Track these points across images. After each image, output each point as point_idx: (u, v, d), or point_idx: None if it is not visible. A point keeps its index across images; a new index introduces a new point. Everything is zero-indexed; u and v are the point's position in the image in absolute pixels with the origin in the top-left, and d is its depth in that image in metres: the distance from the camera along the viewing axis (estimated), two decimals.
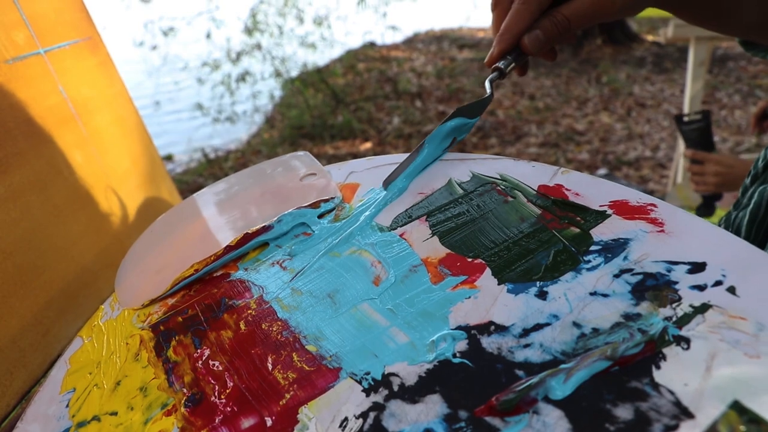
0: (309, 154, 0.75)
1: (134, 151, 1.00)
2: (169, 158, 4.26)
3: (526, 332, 0.46)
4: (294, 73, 5.13)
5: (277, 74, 4.88)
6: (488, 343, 0.46)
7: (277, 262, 0.61)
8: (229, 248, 0.62)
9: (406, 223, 0.60)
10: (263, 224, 0.63)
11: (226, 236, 0.64)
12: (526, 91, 5.43)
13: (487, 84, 0.68)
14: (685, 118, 1.67)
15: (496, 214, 0.58)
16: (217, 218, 0.67)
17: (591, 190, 0.57)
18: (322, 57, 5.46)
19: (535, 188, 0.59)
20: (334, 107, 4.69)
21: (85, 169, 0.85)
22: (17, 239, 0.71)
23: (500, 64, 0.66)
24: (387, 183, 0.64)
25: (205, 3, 4.79)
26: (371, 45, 7.34)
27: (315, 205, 0.65)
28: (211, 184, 0.77)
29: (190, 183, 3.78)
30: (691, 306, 0.44)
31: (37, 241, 0.74)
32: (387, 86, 5.51)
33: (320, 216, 0.65)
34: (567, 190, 0.58)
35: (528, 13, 0.63)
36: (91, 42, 0.93)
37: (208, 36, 4.73)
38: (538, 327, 0.46)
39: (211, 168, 3.97)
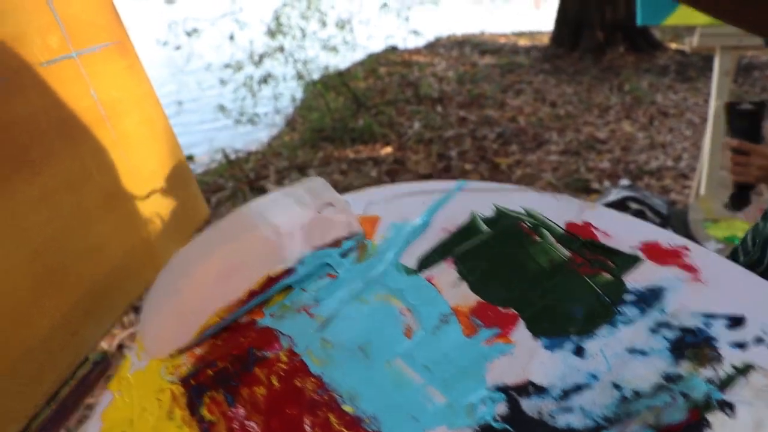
0: (324, 181, 0.72)
1: (161, 153, 1.01)
2: (190, 159, 4.29)
3: (566, 394, 0.45)
4: (315, 76, 5.15)
5: (299, 77, 4.90)
6: (528, 405, 0.44)
7: (304, 309, 0.59)
8: (252, 293, 0.60)
9: (432, 264, 0.58)
10: (286, 267, 0.61)
11: (247, 276, 0.61)
12: (548, 98, 5.41)
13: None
14: (739, 106, 1.61)
15: (524, 256, 0.56)
16: (236, 255, 0.64)
17: (620, 229, 0.55)
18: (343, 60, 5.48)
19: (563, 225, 0.58)
20: (355, 111, 4.69)
21: (114, 170, 0.86)
22: (47, 239, 0.72)
23: None
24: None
25: (229, 5, 4.82)
26: (393, 49, 7.34)
27: (337, 244, 0.63)
28: (230, 207, 0.77)
29: (210, 184, 3.81)
30: (733, 367, 0.42)
31: (67, 241, 0.75)
32: (408, 90, 5.51)
33: (343, 255, 0.63)
34: (595, 229, 0.56)
35: None
36: (121, 45, 0.94)
37: (232, 38, 4.76)
38: (577, 388, 0.45)
39: (232, 169, 3.99)
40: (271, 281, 0.61)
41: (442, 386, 0.48)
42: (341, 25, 5.09)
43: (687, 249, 0.52)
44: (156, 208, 0.93)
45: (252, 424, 0.49)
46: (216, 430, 0.50)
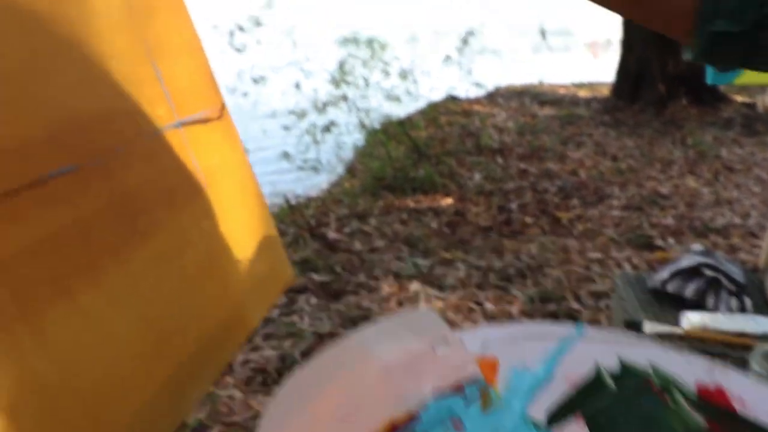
0: (435, 314, 0.70)
1: (253, 217, 1.03)
2: None
3: None
4: (377, 124, 5.22)
5: (362, 126, 4.98)
6: None
7: None
8: None
9: (562, 420, 0.57)
10: (409, 412, 0.59)
11: (365, 417, 0.59)
12: (609, 152, 5.36)
13: None
14: None
15: (658, 421, 0.54)
16: (351, 390, 0.62)
17: (755, 395, 0.52)
18: (404, 109, 5.55)
19: (693, 387, 0.55)
20: (416, 160, 4.73)
21: (211, 236, 0.88)
22: (155, 306, 0.74)
23: None
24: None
25: (295, 53, 4.95)
26: (453, 99, 7.41)
27: (459, 388, 0.61)
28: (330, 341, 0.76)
29: None
30: None
31: (171, 307, 0.77)
32: (469, 141, 5.54)
33: (467, 402, 0.61)
34: (729, 395, 0.54)
35: None
36: (219, 112, 0.98)
37: (297, 86, 4.88)
38: None
39: (293, 215, 4.04)
40: (394, 428, 0.59)
41: None
42: (404, 75, 5.17)
43: None
44: (248, 272, 0.96)
45: None
46: None
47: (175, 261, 0.78)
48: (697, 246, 1.91)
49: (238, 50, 4.80)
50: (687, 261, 1.72)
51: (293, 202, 4.28)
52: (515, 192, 4.38)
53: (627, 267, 3.28)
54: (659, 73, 6.93)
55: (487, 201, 4.22)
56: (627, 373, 0.60)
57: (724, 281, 1.65)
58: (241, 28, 4.77)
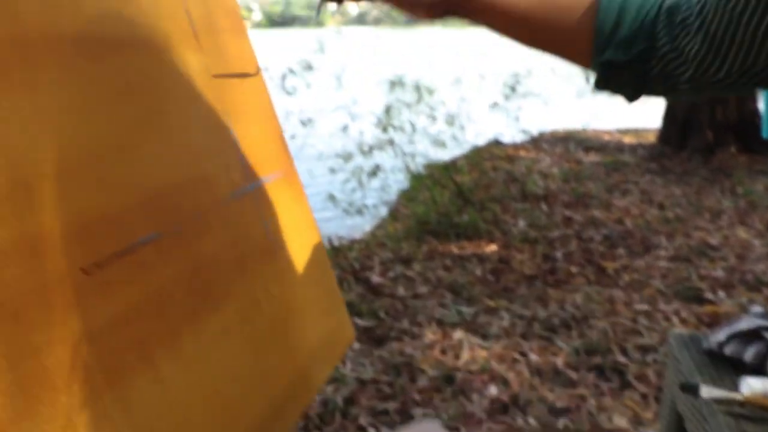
0: (438, 424, 0.72)
1: (318, 278, 1.05)
2: None
3: None
4: (421, 168, 5.26)
5: (407, 171, 5.02)
6: None
7: None
8: None
9: None
10: None
11: None
12: (655, 200, 5.30)
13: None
14: None
15: None
16: None
17: None
18: (449, 152, 5.58)
19: None
20: (460, 206, 4.74)
21: (279, 300, 0.90)
22: (226, 371, 0.76)
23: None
24: None
25: (343, 97, 5.04)
26: (497, 143, 7.43)
27: None
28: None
29: None
30: None
31: (241, 371, 0.79)
32: (513, 187, 5.54)
33: None
34: None
35: None
36: (288, 173, 1.01)
37: (345, 129, 4.96)
38: None
39: (336, 257, 4.07)
40: None
41: None
42: (450, 121, 5.21)
43: None
44: (313, 334, 0.97)
45: None
46: None
47: (244, 327, 0.80)
48: (756, 307, 1.87)
49: (289, 93, 4.91)
50: (746, 323, 1.69)
51: (336, 244, 4.32)
52: (560, 240, 4.35)
53: (675, 320, 3.22)
54: (707, 119, 6.85)
55: (531, 249, 4.20)
56: None
57: None
58: (292, 72, 4.88)
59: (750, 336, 1.65)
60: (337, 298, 1.09)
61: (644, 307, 3.34)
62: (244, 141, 0.89)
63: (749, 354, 1.60)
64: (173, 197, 0.74)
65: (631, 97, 0.89)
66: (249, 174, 0.88)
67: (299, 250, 0.99)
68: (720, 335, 1.68)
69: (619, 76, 0.86)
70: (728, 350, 1.63)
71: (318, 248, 1.06)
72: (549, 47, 0.92)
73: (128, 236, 0.66)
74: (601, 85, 0.89)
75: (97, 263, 0.61)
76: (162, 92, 0.76)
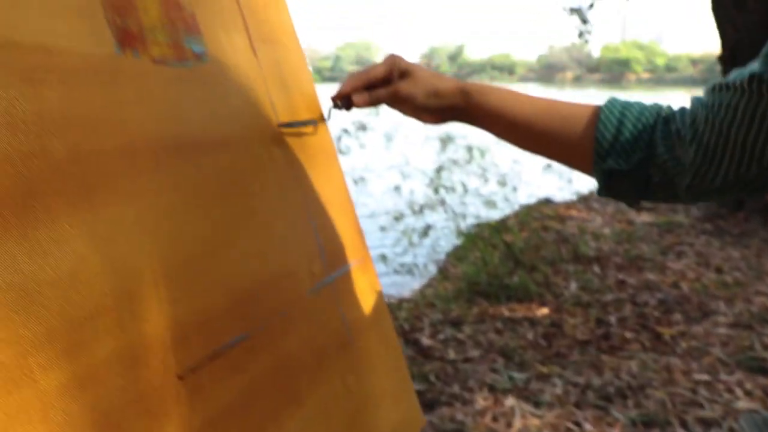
0: None
1: (391, 366, 1.06)
2: None
3: None
4: (471, 227, 5.25)
5: (458, 231, 5.03)
6: None
7: None
8: None
9: None
10: None
11: None
12: (712, 263, 5.18)
13: (326, 111, 1.05)
14: None
15: None
16: None
17: None
18: (500, 211, 5.57)
19: None
20: (511, 268, 4.71)
21: (355, 392, 0.91)
22: None
23: (339, 104, 1.00)
24: None
25: (395, 156, 5.11)
26: (547, 201, 7.40)
27: None
28: None
29: None
30: None
31: None
32: (564, 248, 5.48)
33: None
34: None
35: (360, 82, 0.97)
36: (364, 262, 1.03)
37: (397, 188, 5.01)
38: None
39: None
40: None
41: None
42: (503, 182, 5.22)
43: None
44: (385, 422, 0.98)
45: None
46: None
47: (323, 421, 0.81)
48: None
49: (342, 153, 5.00)
50: None
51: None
52: (614, 304, 4.27)
53: (739, 392, 3.11)
54: None
55: (584, 313, 4.13)
56: None
57: None
58: (346, 132, 4.99)
59: None
60: (408, 385, 1.09)
61: (704, 377, 3.24)
62: (323, 231, 0.92)
63: None
64: (260, 295, 0.76)
65: (633, 203, 0.91)
66: (329, 265, 0.91)
67: (374, 339, 1.00)
68: None
69: (620, 184, 0.89)
70: None
71: (390, 335, 1.07)
72: (551, 154, 0.96)
73: (220, 338, 0.68)
74: (603, 192, 0.92)
75: (192, 368, 0.63)
76: (251, 189, 0.79)
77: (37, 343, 0.53)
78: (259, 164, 0.85)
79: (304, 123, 1.00)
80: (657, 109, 0.89)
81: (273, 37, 1.00)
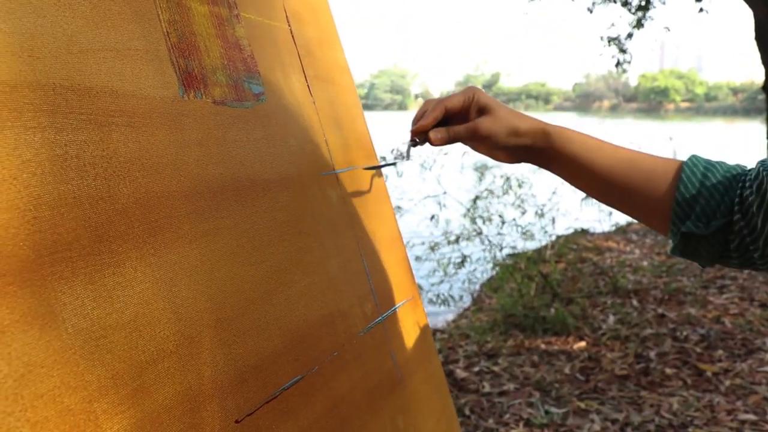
0: None
1: (439, 407, 1.05)
2: None
3: None
4: (506, 257, 5.21)
5: (495, 264, 4.99)
6: None
7: None
8: None
9: None
10: None
11: None
12: (756, 297, 5.05)
13: (404, 147, 1.01)
14: None
15: None
16: None
17: None
18: (537, 243, 5.52)
19: None
20: (548, 299, 4.65)
21: None
22: None
23: (410, 143, 0.99)
24: None
25: (432, 186, 5.10)
26: (583, 232, 7.32)
27: None
28: None
29: None
30: None
31: None
32: (600, 280, 5.41)
33: None
34: None
35: (435, 116, 0.95)
36: (414, 300, 1.02)
37: (433, 218, 5.00)
38: None
39: None
40: None
41: None
42: (540, 213, 5.18)
43: None
44: None
45: None
46: None
47: None
48: None
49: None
50: None
51: None
52: (653, 339, 4.18)
53: None
54: None
55: (622, 347, 4.05)
56: None
57: None
58: (384, 159, 4.98)
59: None
60: (455, 426, 1.08)
61: (750, 416, 3.15)
62: (375, 271, 0.92)
63: None
64: (314, 337, 0.76)
65: (707, 264, 0.87)
66: (380, 305, 0.90)
67: (423, 379, 0.99)
68: None
69: (697, 246, 0.85)
70: None
71: (438, 374, 1.06)
72: (628, 209, 0.92)
73: (276, 381, 0.68)
74: (677, 252, 0.88)
75: (249, 413, 0.63)
76: (305, 229, 0.80)
77: (101, 389, 0.53)
78: (313, 204, 0.85)
79: (387, 164, 1.01)
80: (740, 170, 0.85)
81: (328, 76, 1.01)
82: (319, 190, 0.87)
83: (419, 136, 0.97)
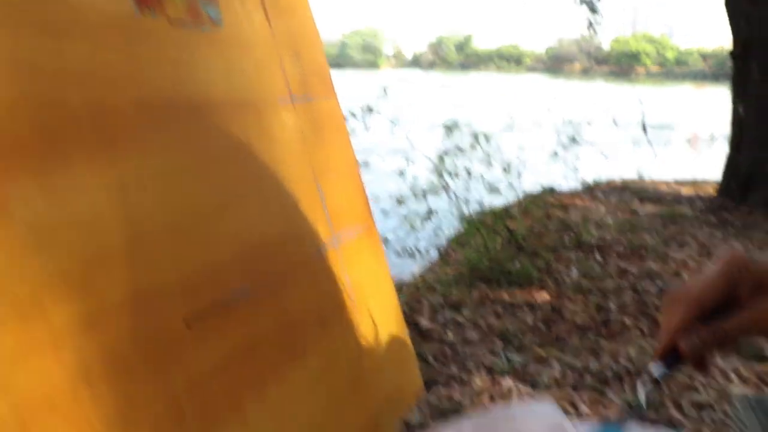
0: (554, 405, 0.76)
1: (393, 331, 1.09)
2: None
3: None
4: (474, 213, 5.27)
5: (461, 216, 5.05)
6: None
7: None
8: None
9: None
10: None
11: None
12: (714, 253, 5.19)
13: (641, 394, 0.67)
14: None
15: None
16: None
17: None
18: (503, 199, 5.58)
19: None
20: (513, 253, 4.73)
21: (356, 352, 0.94)
22: (307, 421, 0.80)
23: (655, 372, 0.66)
24: None
25: (400, 141, 5.12)
26: (551, 191, 7.40)
27: None
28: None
29: None
30: None
31: (320, 422, 0.83)
32: (566, 236, 5.49)
33: None
34: None
35: (683, 315, 0.64)
36: (369, 229, 1.05)
37: (400, 173, 5.03)
38: None
39: None
40: None
41: None
42: (507, 168, 5.23)
43: None
44: (385, 384, 1.00)
45: None
46: None
47: (325, 378, 0.84)
48: None
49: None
50: None
51: None
52: (614, 291, 4.28)
53: (734, 378, 3.13)
54: None
55: (584, 299, 4.15)
56: None
57: None
58: (353, 115, 4.99)
59: None
60: (408, 350, 1.12)
61: None
62: (329, 196, 0.94)
63: None
64: (266, 253, 0.79)
65: None
66: (333, 229, 0.93)
67: (376, 304, 1.03)
68: None
69: None
70: None
71: (393, 301, 1.09)
72: None
73: (225, 289, 0.70)
74: None
75: (199, 316, 0.66)
76: (261, 151, 0.82)
77: (50, 280, 0.56)
78: (268, 129, 0.87)
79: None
80: None
81: (288, 6, 1.02)
82: (274, 115, 0.88)
83: (665, 361, 0.67)
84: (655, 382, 0.68)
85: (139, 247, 0.62)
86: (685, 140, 14.70)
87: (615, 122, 8.93)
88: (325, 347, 0.85)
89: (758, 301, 0.63)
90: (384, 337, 1.04)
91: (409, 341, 1.14)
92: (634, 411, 0.68)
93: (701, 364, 0.67)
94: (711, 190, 7.59)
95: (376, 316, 1.02)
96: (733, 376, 3.14)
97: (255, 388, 0.71)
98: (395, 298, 1.12)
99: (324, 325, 0.86)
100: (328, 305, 0.88)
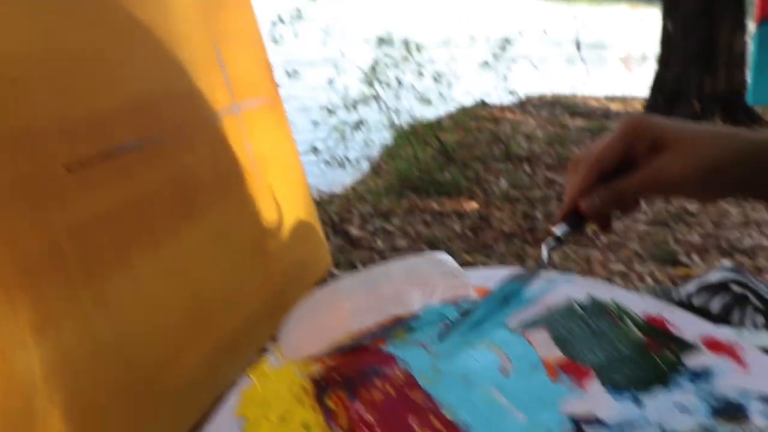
0: (449, 257, 0.86)
1: (297, 204, 1.06)
2: None
3: (621, 429, 0.57)
4: (406, 125, 5.24)
5: (391, 125, 5.00)
6: None
7: (422, 344, 0.72)
8: (380, 326, 0.74)
9: (532, 328, 0.72)
10: (412, 312, 0.76)
11: (377, 312, 0.75)
12: None
13: (543, 251, 0.73)
14: None
15: (608, 336, 0.70)
16: (370, 297, 0.79)
17: (689, 326, 0.69)
18: (435, 111, 5.56)
19: (643, 317, 0.72)
20: (443, 164, 4.74)
21: (257, 221, 0.91)
22: (201, 282, 0.77)
23: (558, 232, 0.72)
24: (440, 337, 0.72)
25: (331, 50, 4.99)
26: (483, 104, 7.41)
27: (456, 302, 0.78)
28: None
29: None
30: (760, 429, 0.55)
31: (216, 285, 0.81)
32: (496, 147, 5.54)
33: (460, 312, 0.76)
34: (670, 324, 0.71)
35: (584, 177, 0.68)
36: (273, 102, 1.00)
37: (330, 83, 4.92)
38: (631, 427, 0.57)
39: (316, 210, 4.07)
40: (397, 320, 0.75)
41: (525, 410, 0.60)
42: (438, 78, 5.18)
43: (740, 347, 0.66)
44: (290, 256, 0.98)
45: (368, 416, 0.61)
46: (337, 417, 0.62)
47: (224, 241, 0.82)
48: (726, 262, 1.90)
49: (275, 41, 4.82)
50: (715, 276, 1.72)
51: (317, 197, 4.31)
52: (541, 200, 4.37)
53: (649, 281, 3.27)
54: (695, 91, 6.86)
55: (512, 208, 4.22)
56: (592, 304, 0.76)
57: (752, 298, 1.64)
58: (281, 20, 4.81)
59: (718, 288, 1.68)
60: (314, 224, 1.10)
61: (620, 267, 3.38)
62: (230, 63, 0.89)
63: (715, 305, 1.63)
64: (156, 109, 0.74)
65: None
66: (234, 96, 0.89)
67: (280, 176, 1.00)
68: (690, 287, 1.71)
69: None
70: (696, 301, 1.66)
71: (298, 175, 1.06)
72: None
73: (111, 140, 0.66)
74: None
75: (80, 162, 0.62)
76: (153, 6, 0.76)
77: None
78: None
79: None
80: None
81: None
82: None
83: (568, 221, 0.71)
84: (558, 240, 0.73)
85: (11, 87, 0.56)
86: (619, 59, 14.87)
87: (544, 37, 8.90)
88: (225, 211, 0.83)
89: (653, 159, 0.65)
90: (288, 209, 1.02)
91: (316, 216, 1.12)
92: (540, 266, 0.75)
93: (604, 225, 0.73)
94: (639, 106, 7.74)
95: (280, 186, 1.00)
96: (648, 279, 3.27)
97: (146, 241, 0.69)
98: (302, 173, 1.09)
99: (224, 189, 0.84)
100: (228, 170, 0.85)
